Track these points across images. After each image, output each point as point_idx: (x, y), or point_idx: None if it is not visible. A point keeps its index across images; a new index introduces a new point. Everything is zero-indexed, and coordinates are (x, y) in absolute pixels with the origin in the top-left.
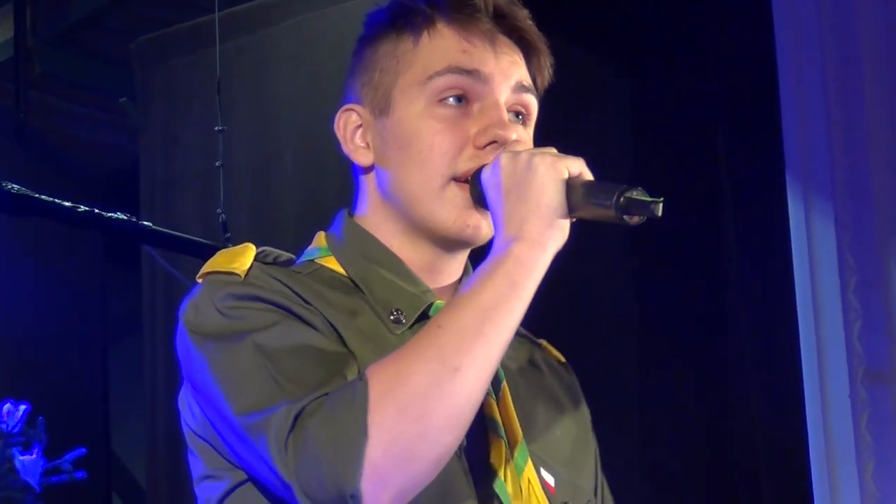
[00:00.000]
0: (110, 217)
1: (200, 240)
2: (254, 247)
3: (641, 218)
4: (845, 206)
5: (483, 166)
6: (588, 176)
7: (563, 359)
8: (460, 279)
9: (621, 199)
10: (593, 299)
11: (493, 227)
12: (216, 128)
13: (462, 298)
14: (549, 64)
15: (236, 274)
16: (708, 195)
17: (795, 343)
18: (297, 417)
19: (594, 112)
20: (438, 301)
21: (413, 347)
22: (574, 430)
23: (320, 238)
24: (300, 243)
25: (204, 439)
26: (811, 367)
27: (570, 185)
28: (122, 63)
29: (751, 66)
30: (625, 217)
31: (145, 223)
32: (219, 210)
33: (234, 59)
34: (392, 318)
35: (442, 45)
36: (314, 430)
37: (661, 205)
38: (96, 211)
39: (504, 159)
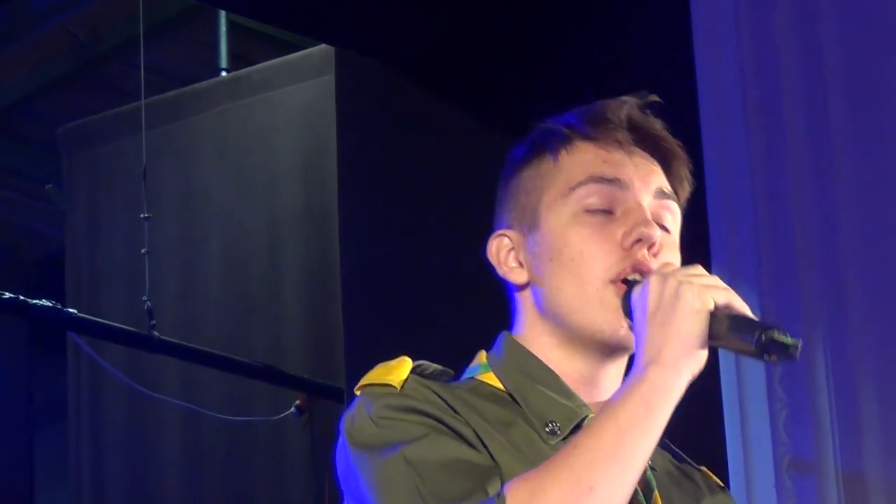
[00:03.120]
0: (35, 304)
1: (126, 327)
2: (410, 360)
3: (780, 357)
4: (770, 295)
5: (635, 282)
6: (736, 304)
7: (722, 484)
8: None
9: (763, 338)
10: None
11: None
12: (142, 215)
13: (599, 419)
14: (687, 171)
15: (392, 385)
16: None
17: (720, 433)
18: None
19: None
20: (592, 414)
21: (549, 466)
22: None
23: (482, 356)
24: (225, 331)
25: None
26: (736, 456)
27: (715, 315)
28: (48, 149)
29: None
30: (765, 356)
31: (70, 310)
32: (144, 297)
33: (160, 146)
34: (547, 429)
35: (581, 158)
36: None
37: (798, 348)
38: (21, 298)
39: (653, 282)
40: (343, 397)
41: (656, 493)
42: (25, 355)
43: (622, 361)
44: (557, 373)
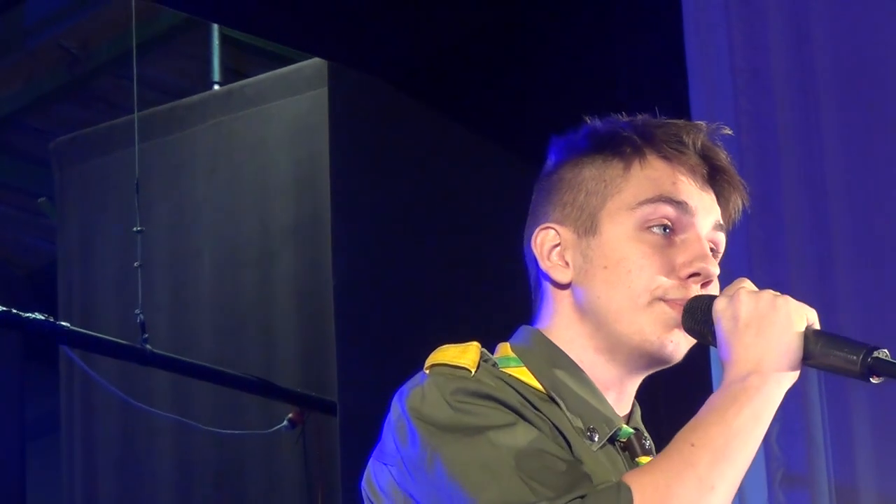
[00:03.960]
0: (28, 317)
1: (118, 340)
2: (479, 345)
3: (885, 379)
4: None
5: (699, 296)
6: (817, 326)
7: None
8: (631, 411)
9: (869, 359)
10: None
11: (688, 349)
12: (135, 228)
13: (708, 421)
14: (741, 205)
15: (466, 369)
16: None
17: None
18: None
19: None
20: (625, 426)
21: (669, 461)
22: None
23: (506, 348)
24: (217, 344)
25: None
26: None
27: (806, 333)
28: (41, 162)
29: None
30: (871, 378)
31: (63, 324)
32: (137, 311)
33: (153, 159)
34: (587, 435)
35: (653, 175)
36: None
37: None
38: (14, 311)
39: (745, 295)
40: (336, 411)
41: None
42: (17, 368)
43: (645, 375)
44: (589, 376)
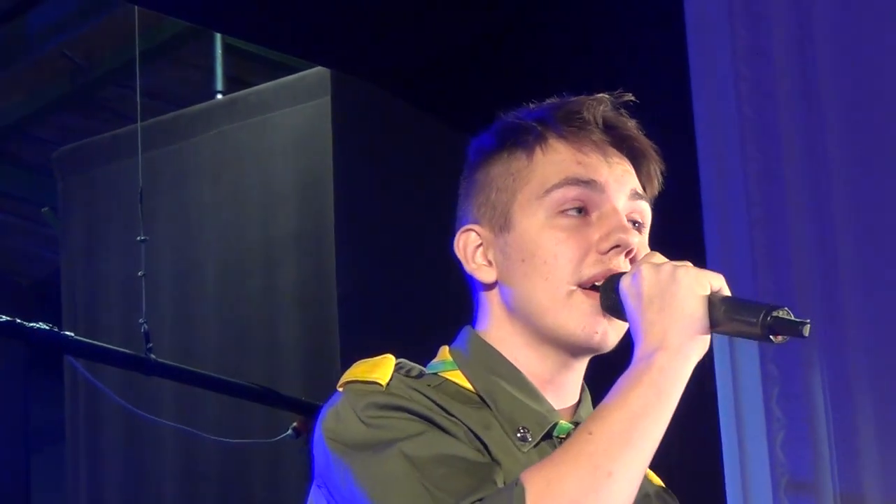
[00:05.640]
0: (32, 327)
1: (122, 350)
2: (393, 357)
3: (786, 338)
4: None
5: (613, 275)
6: (726, 292)
7: (663, 484)
8: (579, 401)
9: (769, 319)
10: None
11: (619, 335)
12: (138, 238)
13: (610, 406)
14: (659, 171)
15: (378, 384)
16: None
17: (718, 453)
18: None
19: None
20: (562, 421)
21: (565, 453)
22: None
23: (445, 352)
24: (221, 354)
25: None
26: (734, 477)
27: (711, 300)
28: (44, 172)
29: (673, 179)
30: (771, 337)
31: (67, 333)
32: (141, 320)
33: (157, 168)
34: (518, 435)
35: (556, 158)
36: None
37: (808, 326)
38: (18, 321)
39: (646, 269)
40: None
41: None
42: (22, 378)
43: (586, 361)
44: (525, 373)
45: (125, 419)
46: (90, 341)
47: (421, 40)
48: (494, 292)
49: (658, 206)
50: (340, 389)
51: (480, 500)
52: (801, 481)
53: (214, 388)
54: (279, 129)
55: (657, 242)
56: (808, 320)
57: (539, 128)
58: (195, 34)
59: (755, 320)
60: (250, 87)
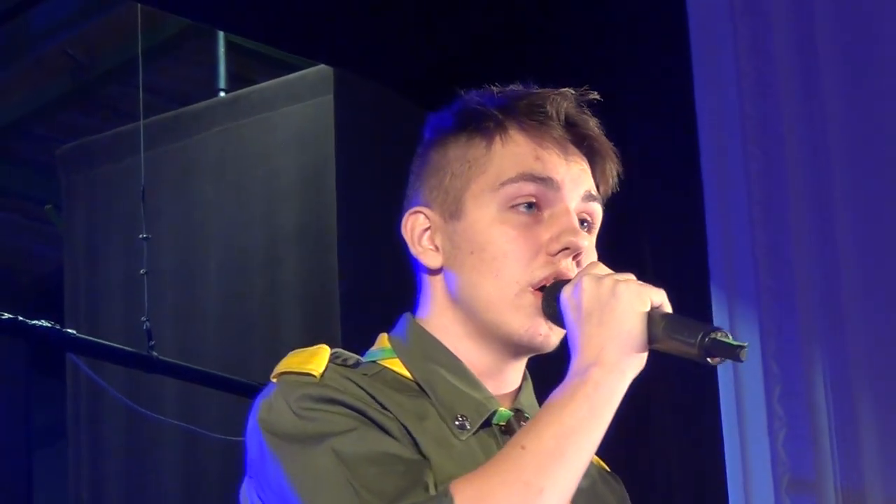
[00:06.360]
0: (34, 325)
1: (125, 348)
2: (328, 348)
3: (723, 360)
4: (770, 314)
5: (556, 282)
6: (667, 308)
7: (608, 468)
8: (520, 387)
9: (706, 340)
10: None
11: (561, 337)
12: (141, 235)
13: (544, 420)
14: (615, 172)
15: (312, 375)
16: None
17: (720, 452)
18: None
19: None
20: (502, 408)
21: (496, 467)
22: None
23: (383, 339)
24: (224, 351)
25: None
26: (736, 475)
27: (651, 316)
28: (46, 169)
29: (676, 178)
30: (708, 359)
31: (69, 331)
32: (143, 318)
33: (159, 166)
34: (457, 423)
35: (514, 151)
36: None
37: (745, 350)
38: (20, 318)
39: (587, 282)
40: None
41: None
42: (24, 376)
43: (528, 357)
44: (464, 362)
45: (127, 417)
46: (92, 339)
47: (424, 39)
48: (439, 278)
49: (660, 203)
50: (274, 380)
51: None
52: (802, 479)
53: (217, 386)
54: (282, 127)
55: (660, 241)
56: (746, 344)
57: (501, 116)
58: (198, 32)
59: (693, 341)
60: (253, 84)
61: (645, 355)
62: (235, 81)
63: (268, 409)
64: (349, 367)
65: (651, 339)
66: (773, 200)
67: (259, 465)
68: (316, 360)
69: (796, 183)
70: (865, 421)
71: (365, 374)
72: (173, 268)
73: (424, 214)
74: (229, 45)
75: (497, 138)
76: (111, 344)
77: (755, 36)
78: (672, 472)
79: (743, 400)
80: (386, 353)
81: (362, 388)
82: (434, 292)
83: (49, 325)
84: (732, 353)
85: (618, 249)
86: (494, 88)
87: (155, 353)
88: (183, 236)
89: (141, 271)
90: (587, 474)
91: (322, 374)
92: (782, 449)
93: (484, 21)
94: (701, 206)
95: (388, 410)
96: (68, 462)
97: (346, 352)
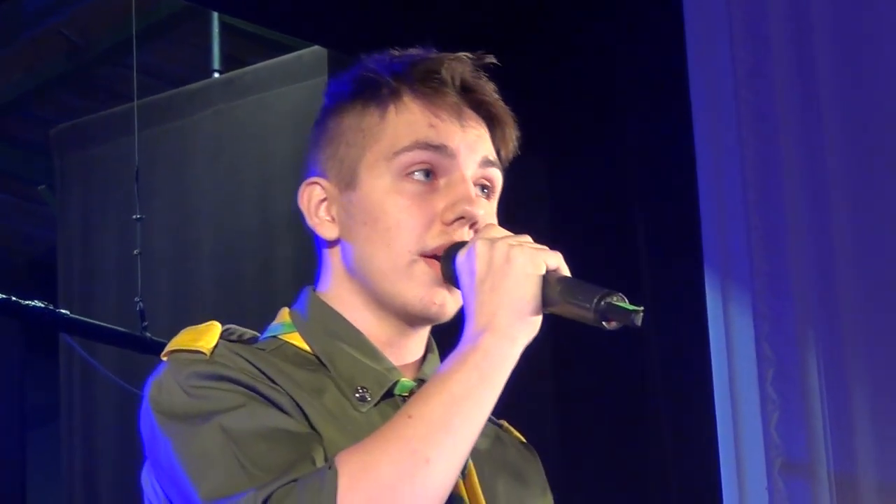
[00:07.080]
0: (28, 305)
1: (118, 328)
2: (219, 325)
3: (619, 324)
4: (763, 298)
5: (455, 244)
6: (565, 271)
7: (524, 439)
8: (424, 356)
9: (602, 303)
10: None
11: (459, 305)
12: (134, 216)
13: (432, 388)
14: (514, 137)
15: (201, 352)
16: (626, 288)
17: (713, 435)
18: None
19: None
20: (404, 379)
21: (383, 437)
22: None
23: (284, 314)
24: None
25: None
26: (728, 458)
27: (547, 279)
28: (40, 150)
29: (670, 160)
30: (603, 322)
31: (63, 311)
32: (137, 298)
33: (153, 147)
34: (357, 395)
35: (409, 119)
36: None
37: (641, 314)
38: (13, 299)
39: (480, 246)
40: None
41: (470, 462)
42: (18, 356)
43: (429, 326)
44: (364, 333)
45: (121, 398)
46: (86, 319)
47: (418, 19)
48: (336, 250)
49: (654, 189)
50: (165, 359)
51: (294, 481)
52: (795, 462)
53: None
54: (276, 108)
55: (655, 225)
56: (642, 308)
57: (395, 84)
58: (192, 13)
59: (588, 305)
60: (247, 65)
61: (539, 320)
62: (230, 62)
63: (158, 388)
64: (244, 342)
65: (547, 302)
66: (767, 185)
67: (152, 446)
68: (206, 337)
69: (791, 168)
70: (858, 404)
71: (261, 350)
72: (167, 248)
73: (321, 185)
74: (223, 27)
75: (391, 106)
76: (104, 324)
77: (750, 22)
78: (665, 455)
79: (736, 382)
80: (286, 328)
81: (252, 364)
82: (332, 264)
83: (43, 305)
84: (627, 317)
85: (612, 234)
86: (394, 52)
87: (148, 334)
88: (177, 217)
89: (135, 252)
90: (500, 440)
91: (212, 351)
92: (775, 432)
93: (480, 4)
94: (695, 190)
95: (279, 385)
96: (62, 443)
97: (240, 328)
